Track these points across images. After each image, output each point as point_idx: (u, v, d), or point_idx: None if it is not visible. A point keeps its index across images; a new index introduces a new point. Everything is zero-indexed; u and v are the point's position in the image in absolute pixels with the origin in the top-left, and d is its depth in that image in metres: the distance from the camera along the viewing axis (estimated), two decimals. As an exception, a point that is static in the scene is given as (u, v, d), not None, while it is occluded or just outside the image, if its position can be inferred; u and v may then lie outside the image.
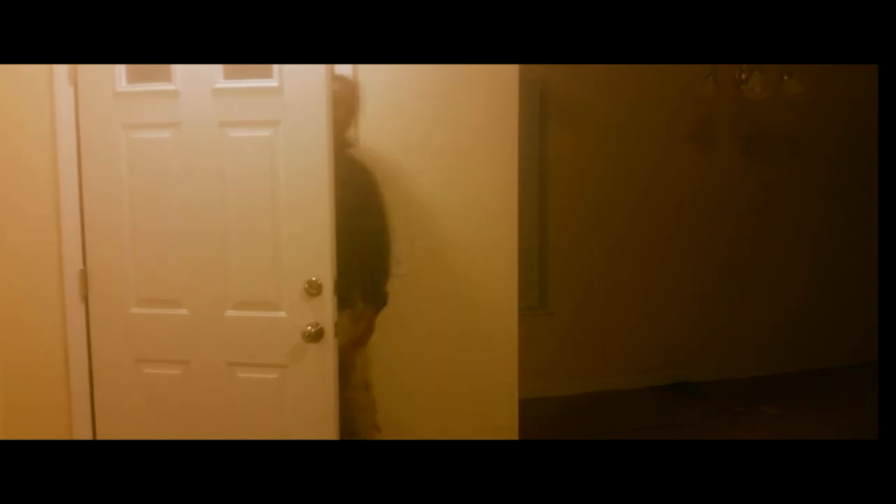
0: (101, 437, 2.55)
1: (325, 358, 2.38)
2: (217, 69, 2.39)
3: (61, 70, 2.47)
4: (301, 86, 2.33)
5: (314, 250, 2.36)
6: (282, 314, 2.40)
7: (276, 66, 2.36)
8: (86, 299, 2.53)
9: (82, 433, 2.57)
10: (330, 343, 2.37)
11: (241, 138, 2.41)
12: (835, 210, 5.59)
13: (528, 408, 3.12)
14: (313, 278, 2.35)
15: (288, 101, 2.35)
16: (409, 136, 2.81)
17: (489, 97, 2.86)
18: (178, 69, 2.40)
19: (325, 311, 2.35)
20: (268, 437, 2.41)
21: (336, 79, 2.45)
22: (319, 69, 2.32)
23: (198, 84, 2.40)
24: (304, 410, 2.42)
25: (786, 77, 4.35)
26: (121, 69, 2.44)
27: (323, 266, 2.35)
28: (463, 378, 2.91)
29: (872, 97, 5.25)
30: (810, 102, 5.02)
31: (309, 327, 2.33)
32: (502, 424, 2.95)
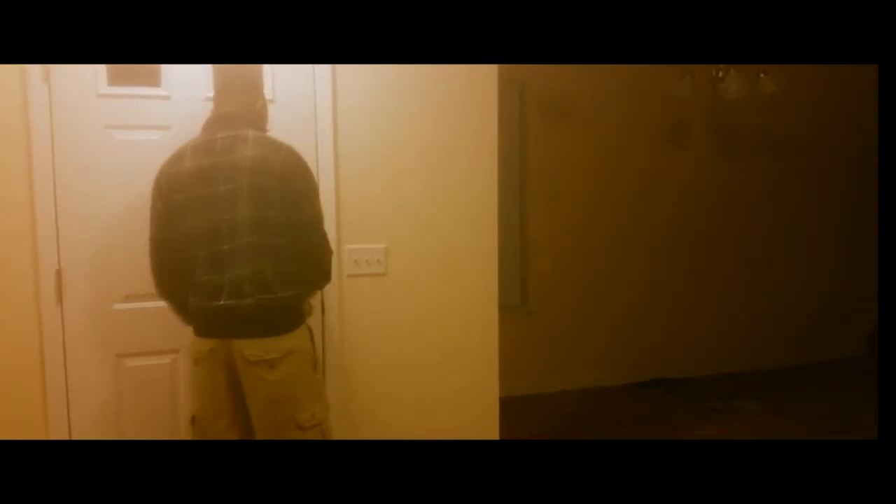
0: (83, 431, 2.55)
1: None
2: (208, 80, 2.50)
3: (34, 67, 2.42)
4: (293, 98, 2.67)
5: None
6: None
7: (269, 79, 2.58)
8: (61, 300, 2.50)
9: (58, 432, 2.53)
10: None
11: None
12: (814, 208, 5.66)
13: (510, 406, 3.13)
14: None
15: (280, 110, 2.62)
16: (390, 136, 2.80)
17: (469, 96, 2.86)
18: (169, 76, 2.53)
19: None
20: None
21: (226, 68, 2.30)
22: (308, 83, 2.66)
23: (189, 91, 2.55)
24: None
25: (762, 75, 4.39)
26: (101, 71, 2.47)
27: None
28: (444, 376, 2.91)
29: (849, 97, 5.34)
30: (796, 101, 5.10)
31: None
32: (483, 422, 2.96)
